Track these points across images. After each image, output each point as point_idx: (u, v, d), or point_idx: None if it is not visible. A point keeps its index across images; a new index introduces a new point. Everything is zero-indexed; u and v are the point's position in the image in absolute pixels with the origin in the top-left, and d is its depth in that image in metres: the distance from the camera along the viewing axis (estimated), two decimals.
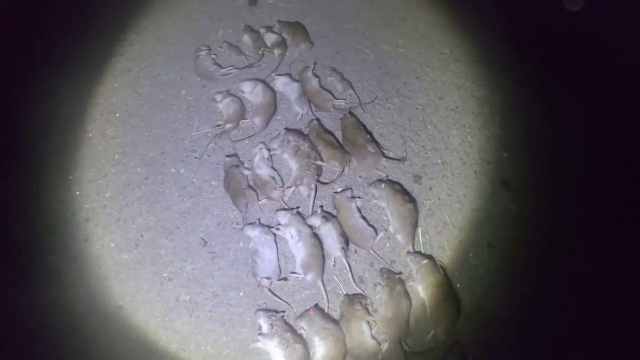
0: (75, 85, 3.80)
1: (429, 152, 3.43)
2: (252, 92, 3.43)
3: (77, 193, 3.30)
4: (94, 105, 3.71)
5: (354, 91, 3.58)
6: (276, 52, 3.77)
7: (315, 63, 3.74)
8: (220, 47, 3.93)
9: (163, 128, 3.48)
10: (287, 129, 3.33)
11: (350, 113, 3.42)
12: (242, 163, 3.18)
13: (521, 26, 4.06)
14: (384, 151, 3.31)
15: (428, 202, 3.20)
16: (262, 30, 3.95)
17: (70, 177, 3.36)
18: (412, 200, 3.06)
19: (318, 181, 3.10)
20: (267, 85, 3.51)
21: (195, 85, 3.72)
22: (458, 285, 2.93)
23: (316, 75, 3.63)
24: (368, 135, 3.27)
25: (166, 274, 2.97)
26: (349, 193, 3.08)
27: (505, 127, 3.65)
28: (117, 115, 3.62)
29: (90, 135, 3.54)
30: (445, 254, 3.03)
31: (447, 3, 4.39)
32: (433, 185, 3.30)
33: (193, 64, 3.77)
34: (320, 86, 3.56)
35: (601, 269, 3.00)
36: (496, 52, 4.00)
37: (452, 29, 4.26)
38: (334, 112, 3.48)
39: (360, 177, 3.25)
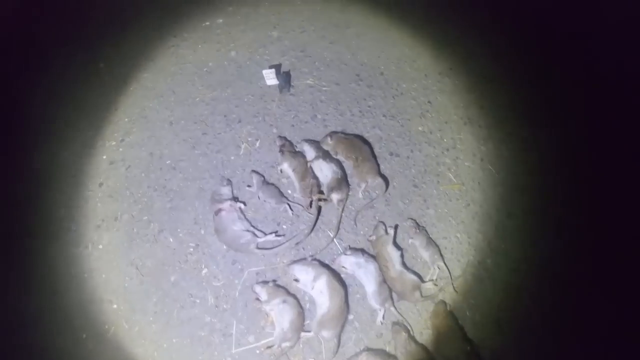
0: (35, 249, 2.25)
1: (524, 332, 2.38)
2: (313, 288, 1.96)
3: None
4: (76, 285, 2.15)
5: (444, 262, 2.24)
6: (335, 198, 2.14)
7: (397, 226, 2.21)
8: (248, 185, 2.22)
9: (187, 338, 1.99)
10: (368, 349, 1.97)
11: (442, 305, 2.23)
12: None
13: None
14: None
15: None
16: (308, 154, 2.24)
17: None
18: None
19: None
20: (333, 274, 2.00)
21: (221, 259, 2.10)
22: None
23: (398, 247, 2.14)
24: (468, 347, 2.01)
25: None
26: None
27: None
28: (115, 306, 2.06)
29: (84, 336, 2.06)
30: None
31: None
32: None
33: (213, 222, 2.12)
34: (403, 264, 2.12)
35: None
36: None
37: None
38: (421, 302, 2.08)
39: None
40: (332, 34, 2.89)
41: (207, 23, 2.86)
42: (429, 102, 2.69)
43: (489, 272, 2.30)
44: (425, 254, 2.21)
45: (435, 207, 2.36)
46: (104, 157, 2.41)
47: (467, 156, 2.55)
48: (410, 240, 2.23)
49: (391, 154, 2.43)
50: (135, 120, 2.49)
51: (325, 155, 2.26)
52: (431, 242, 2.23)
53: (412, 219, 2.28)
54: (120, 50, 2.76)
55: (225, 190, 2.17)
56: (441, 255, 2.22)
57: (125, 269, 2.15)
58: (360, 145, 2.31)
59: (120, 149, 2.42)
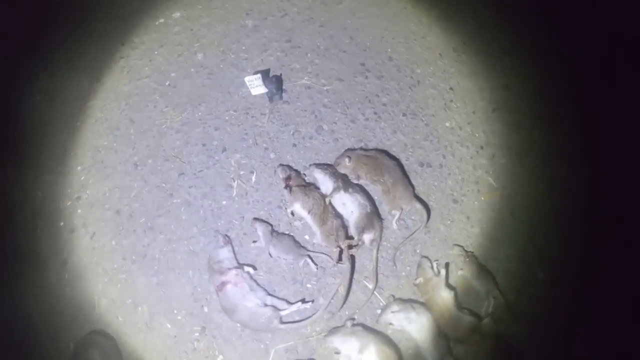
0: None
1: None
2: None
3: None
4: None
5: (499, 289, 1.80)
6: (367, 238, 1.51)
7: (447, 265, 1.60)
8: (254, 241, 1.52)
9: None
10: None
11: (500, 342, 1.72)
12: None
13: None
14: None
15: None
16: (324, 186, 1.55)
17: None
18: None
19: None
20: (382, 339, 1.42)
21: (238, 340, 1.45)
22: None
23: (451, 287, 1.55)
24: None
25: None
26: None
27: None
28: None
29: None
30: None
31: None
32: None
33: (217, 297, 1.45)
34: (458, 305, 1.55)
35: None
36: None
37: None
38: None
39: None
40: (321, 13, 2.07)
41: (161, 20, 1.97)
42: (450, 88, 2.00)
43: (540, 287, 1.80)
44: (478, 285, 1.67)
45: (480, 224, 1.78)
46: (61, 224, 1.64)
47: (502, 151, 1.94)
48: (459, 272, 1.67)
49: (422, 165, 1.78)
50: (89, 167, 1.70)
51: (347, 185, 1.58)
52: (483, 269, 1.68)
53: (458, 245, 1.69)
54: (56, 75, 1.86)
55: (224, 253, 1.48)
56: (495, 282, 1.68)
57: None
58: (387, 162, 1.64)
59: (79, 211, 1.65)
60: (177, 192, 1.63)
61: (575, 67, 2.12)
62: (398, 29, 2.10)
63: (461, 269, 1.66)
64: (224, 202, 1.62)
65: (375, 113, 1.82)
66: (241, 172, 1.65)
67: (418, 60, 2.02)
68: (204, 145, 1.70)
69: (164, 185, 1.65)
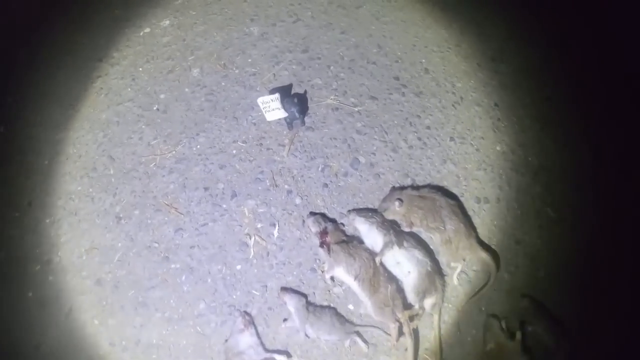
0: None
1: None
2: None
3: None
4: None
5: (572, 344, 1.45)
6: (429, 304, 1.16)
7: (523, 324, 1.23)
8: (285, 319, 1.11)
9: None
10: None
11: None
12: None
13: None
14: None
15: None
16: (369, 239, 1.16)
17: None
18: None
19: None
20: None
21: None
22: None
23: (526, 350, 1.31)
24: None
25: None
26: None
27: None
28: None
29: None
30: None
31: None
32: None
33: None
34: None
35: None
36: None
37: None
38: None
39: None
40: (340, 18, 1.67)
41: (147, 30, 1.51)
42: (495, 104, 1.66)
43: (616, 336, 1.49)
44: (549, 340, 1.35)
45: (545, 266, 1.45)
46: (30, 294, 1.17)
47: (557, 176, 1.63)
48: (529, 328, 1.33)
49: (478, 201, 1.43)
50: (60, 220, 1.24)
51: (400, 237, 1.20)
52: (554, 321, 1.36)
53: (526, 295, 1.36)
54: (22, 101, 1.37)
55: (246, 340, 1.07)
56: (567, 335, 1.37)
57: None
58: (445, 204, 1.27)
59: (50, 278, 1.19)
60: (174, 255, 1.20)
61: (617, 74, 1.83)
62: (429, 36, 1.74)
63: (531, 325, 1.33)
64: (239, 267, 1.20)
65: (420, 139, 1.44)
66: (259, 225, 1.24)
67: (457, 72, 1.67)
68: (206, 189, 1.26)
69: (156, 245, 1.21)
